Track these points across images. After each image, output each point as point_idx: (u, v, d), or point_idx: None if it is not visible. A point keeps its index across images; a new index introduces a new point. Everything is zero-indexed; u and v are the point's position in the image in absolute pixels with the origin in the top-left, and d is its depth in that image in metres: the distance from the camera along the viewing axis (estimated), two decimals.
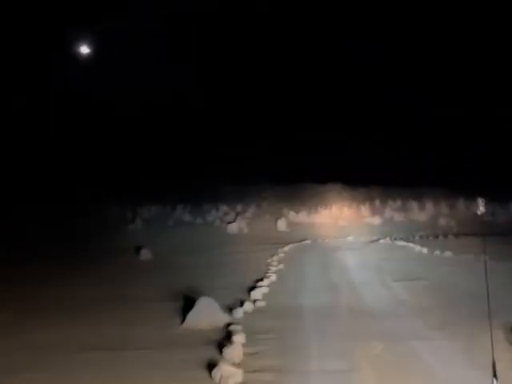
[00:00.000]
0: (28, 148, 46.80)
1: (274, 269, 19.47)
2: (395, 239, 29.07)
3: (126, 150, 50.48)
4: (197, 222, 37.29)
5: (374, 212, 41.13)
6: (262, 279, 17.10)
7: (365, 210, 41.65)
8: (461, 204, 42.80)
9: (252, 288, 15.53)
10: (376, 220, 38.87)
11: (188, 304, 12.39)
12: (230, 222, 34.70)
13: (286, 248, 25.92)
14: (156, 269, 20.44)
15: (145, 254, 22.96)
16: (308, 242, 29.43)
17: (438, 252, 22.27)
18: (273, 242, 28.35)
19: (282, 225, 35.58)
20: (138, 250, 23.55)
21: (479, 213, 6.10)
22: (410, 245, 25.40)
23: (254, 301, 13.83)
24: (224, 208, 41.61)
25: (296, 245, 27.86)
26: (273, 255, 22.87)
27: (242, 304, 13.38)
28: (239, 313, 12.63)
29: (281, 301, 14.26)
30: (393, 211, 41.36)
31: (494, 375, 5.10)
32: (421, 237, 29.89)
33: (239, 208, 41.74)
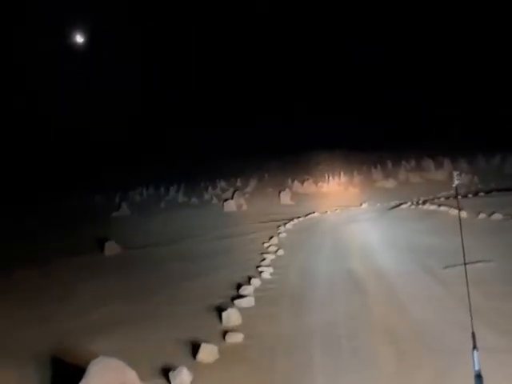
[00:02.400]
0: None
1: (269, 258, 13.43)
2: (418, 203, 22.83)
3: (118, 136, 44.49)
4: (191, 203, 31.14)
5: (386, 175, 34.76)
6: (249, 279, 11.03)
7: (376, 173, 35.26)
8: (480, 159, 36.46)
9: (233, 298, 9.51)
10: (390, 183, 32.60)
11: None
12: (226, 200, 28.58)
13: (289, 225, 19.81)
14: (111, 269, 14.40)
15: (110, 248, 16.94)
16: (315, 214, 23.23)
17: (483, 215, 16.13)
18: (274, 219, 22.29)
19: (285, 198, 29.37)
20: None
21: (454, 185, 4.75)
22: (441, 208, 19.09)
23: (224, 333, 7.75)
24: (222, 184, 35.35)
25: (301, 219, 21.71)
26: (271, 236, 16.77)
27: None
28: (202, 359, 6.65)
29: (269, 328, 8.19)
30: (407, 172, 34.95)
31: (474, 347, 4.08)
32: (447, 198, 23.55)
33: (239, 183, 35.46)
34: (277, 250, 14.51)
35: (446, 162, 35.29)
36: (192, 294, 10.39)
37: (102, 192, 34.78)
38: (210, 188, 33.71)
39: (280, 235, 17.44)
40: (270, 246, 15.38)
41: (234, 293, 10.09)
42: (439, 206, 19.84)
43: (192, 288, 10.94)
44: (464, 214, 17.15)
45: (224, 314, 8.12)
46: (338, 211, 24.24)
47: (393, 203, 24.89)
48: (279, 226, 19.32)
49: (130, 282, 12.27)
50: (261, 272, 11.73)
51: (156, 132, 45.38)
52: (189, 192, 33.59)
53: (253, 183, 35.02)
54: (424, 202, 22.20)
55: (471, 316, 4.52)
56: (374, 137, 41.84)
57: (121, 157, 42.88)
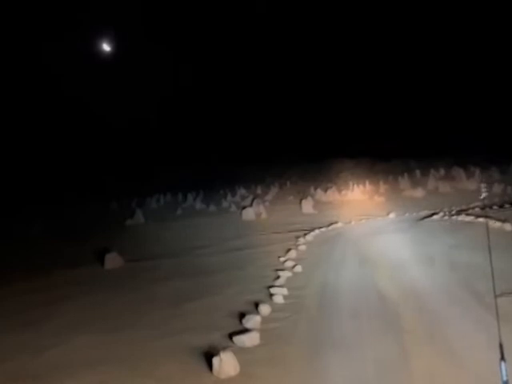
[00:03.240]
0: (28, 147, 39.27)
1: (285, 276, 11.16)
2: (451, 213, 20.36)
3: (136, 142, 42.51)
4: (209, 210, 28.97)
5: (414, 184, 32.16)
6: (256, 306, 8.76)
7: (403, 182, 32.68)
8: None
9: (233, 334, 7.28)
10: (418, 192, 30.00)
11: None
12: (244, 207, 26.37)
13: (310, 236, 17.52)
14: (104, 286, 12.22)
15: (111, 262, 14.82)
16: (339, 225, 20.88)
17: None
18: (294, 229, 20.02)
19: (307, 206, 27.04)
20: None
21: (481, 198, 4.57)
22: (480, 220, 16.60)
23: None
24: (242, 191, 33.07)
25: (323, 230, 19.39)
26: (289, 249, 14.50)
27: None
28: None
29: (277, 370, 5.94)
30: (436, 181, 32.31)
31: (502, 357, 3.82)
32: (482, 208, 20.95)
33: (259, 190, 33.16)
34: (294, 266, 12.25)
35: (477, 172, 32.61)
36: (182, 323, 8.18)
37: (118, 198, 32.77)
38: (229, 195, 31.43)
39: (299, 248, 15.17)
40: (286, 260, 13.14)
41: (235, 323, 7.87)
42: (476, 217, 17.37)
43: (185, 314, 8.75)
44: (509, 227, 14.76)
45: (215, 361, 5.90)
46: (363, 221, 21.87)
47: (422, 213, 22.49)
48: (299, 237, 17.04)
49: (118, 304, 10.09)
50: (272, 295, 9.49)
51: (177, 138, 43.42)
52: (207, 199, 31.40)
53: (273, 191, 32.68)
54: (458, 213, 19.73)
55: (499, 326, 4.09)
56: (400, 146, 39.24)
57: (140, 163, 41.00)
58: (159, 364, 6.48)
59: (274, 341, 7.06)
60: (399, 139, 40.68)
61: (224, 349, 6.23)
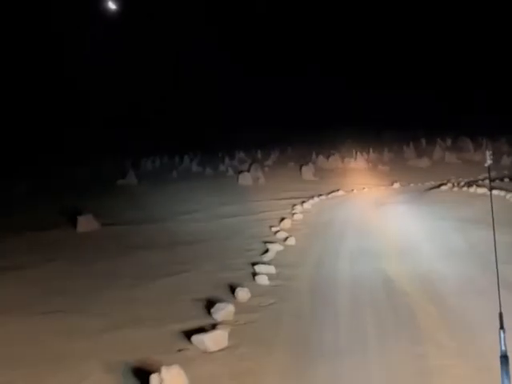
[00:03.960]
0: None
1: (274, 250, 9.30)
2: (460, 184, 18.41)
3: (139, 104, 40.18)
4: (205, 173, 26.96)
5: (420, 153, 30.05)
6: (233, 291, 6.90)
7: (409, 151, 30.57)
8: None
9: (193, 331, 5.39)
10: (424, 162, 27.93)
11: None
12: (241, 172, 24.39)
13: (308, 204, 15.62)
14: (69, 252, 10.35)
15: (84, 225, 12.97)
16: (340, 193, 18.95)
17: None
18: (292, 196, 18.11)
19: (307, 173, 25.02)
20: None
21: (486, 165, 4.11)
22: (495, 192, 14.60)
23: None
24: (241, 155, 30.96)
25: (323, 198, 17.48)
26: (283, 218, 12.62)
27: None
28: None
29: None
30: (442, 151, 30.21)
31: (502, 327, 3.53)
32: (492, 180, 18.94)
33: (259, 155, 31.06)
34: (286, 238, 10.39)
35: (485, 143, 30.41)
36: (133, 312, 6.32)
37: (114, 158, 30.74)
38: (226, 159, 29.35)
39: (294, 216, 13.30)
40: (279, 231, 11.27)
41: (201, 314, 6.02)
42: (483, 188, 15.40)
43: (142, 297, 6.91)
44: None
45: (153, 379, 4.05)
46: (365, 190, 19.95)
47: (428, 184, 20.58)
48: (295, 205, 15.14)
49: (71, 277, 8.26)
50: (255, 274, 7.63)
51: (181, 100, 41.07)
52: (205, 162, 29.38)
53: (274, 156, 30.59)
54: (469, 184, 17.74)
55: (499, 294, 3.57)
56: (408, 112, 36.96)
57: (142, 122, 38.72)
58: (70, 370, 4.63)
59: (247, 343, 5.21)
60: (406, 107, 38.38)
61: (174, 356, 4.37)
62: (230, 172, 26.36)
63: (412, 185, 21.35)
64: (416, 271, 7.73)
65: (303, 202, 15.89)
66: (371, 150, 30.56)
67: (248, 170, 25.05)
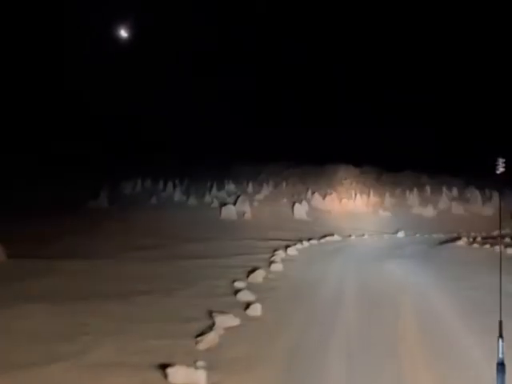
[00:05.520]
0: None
1: (225, 324, 5.57)
2: (476, 240, 14.80)
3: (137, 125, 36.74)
4: (188, 203, 23.30)
5: (424, 201, 26.41)
6: None
7: (412, 197, 26.92)
8: None
9: None
10: (429, 211, 24.38)
11: None
12: (225, 204, 20.71)
13: (293, 249, 11.88)
14: None
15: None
16: (335, 238, 15.22)
17: None
18: (278, 237, 14.45)
19: (300, 211, 21.40)
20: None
21: (498, 172, 3.98)
22: None
23: None
24: (230, 187, 27.28)
25: (314, 243, 13.78)
26: (254, 269, 8.87)
27: None
28: None
29: None
30: (449, 201, 26.55)
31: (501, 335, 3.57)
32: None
33: (250, 188, 27.37)
34: (248, 305, 6.62)
35: (495, 197, 26.67)
36: None
37: (92, 177, 27.00)
38: (214, 189, 25.61)
39: (272, 266, 9.55)
40: (242, 289, 7.51)
41: None
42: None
43: None
44: None
45: None
46: (365, 237, 16.27)
47: (436, 236, 17.06)
48: (276, 250, 11.39)
49: None
50: None
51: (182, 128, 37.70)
52: (191, 190, 25.69)
53: (266, 190, 26.88)
54: (491, 241, 14.01)
55: (500, 305, 3.66)
56: (412, 157, 33.39)
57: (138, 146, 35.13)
58: None
59: None
60: (411, 151, 34.82)
61: None
62: (215, 203, 22.71)
63: (418, 235, 17.82)
64: None
65: (287, 246, 12.15)
66: (371, 193, 26.96)
67: (234, 204, 21.41)
